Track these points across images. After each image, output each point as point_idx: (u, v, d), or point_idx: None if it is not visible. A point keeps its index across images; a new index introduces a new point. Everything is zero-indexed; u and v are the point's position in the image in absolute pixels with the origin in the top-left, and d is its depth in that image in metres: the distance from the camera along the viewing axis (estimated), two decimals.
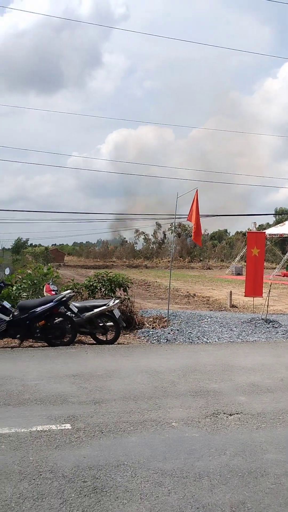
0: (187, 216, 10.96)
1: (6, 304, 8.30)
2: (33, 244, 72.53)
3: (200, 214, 10.49)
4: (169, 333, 9.28)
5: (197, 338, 9.00)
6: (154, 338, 8.90)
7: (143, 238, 67.76)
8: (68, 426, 4.22)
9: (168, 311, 10.89)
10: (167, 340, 8.81)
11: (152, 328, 9.86)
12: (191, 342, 8.74)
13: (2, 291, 8.67)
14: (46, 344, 8.10)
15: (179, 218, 16.24)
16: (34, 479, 3.21)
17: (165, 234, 65.68)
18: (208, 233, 69.02)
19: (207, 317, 11.30)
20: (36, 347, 8.05)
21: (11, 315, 8.00)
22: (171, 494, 3.08)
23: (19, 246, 66.00)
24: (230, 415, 4.62)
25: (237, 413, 4.66)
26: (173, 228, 53.77)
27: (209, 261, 54.82)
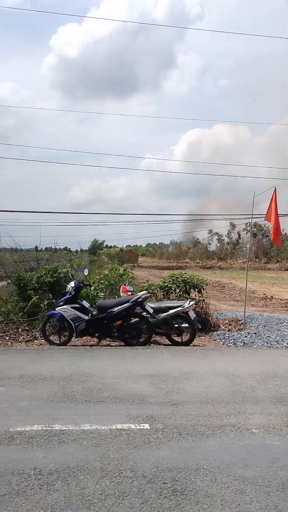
0: (264, 215, 10.61)
1: (85, 303, 8.60)
2: (108, 245, 74.66)
3: (279, 213, 10.10)
4: (246, 336, 9.04)
5: (276, 343, 8.68)
6: (231, 341, 8.71)
7: (217, 239, 66.96)
8: (146, 426, 4.25)
9: (244, 314, 10.61)
10: (244, 343, 8.59)
11: (228, 330, 9.67)
12: (270, 347, 8.44)
13: (81, 291, 8.97)
14: (122, 344, 8.26)
15: (256, 218, 15.77)
16: (115, 477, 3.28)
17: (239, 235, 64.35)
18: (286, 233, 66.51)
19: (286, 321, 10.86)
20: (113, 346, 8.24)
21: (89, 314, 8.27)
22: (253, 502, 2.98)
23: (96, 248, 68.28)
24: None
25: None
26: (248, 228, 52.49)
27: (287, 262, 52.81)
